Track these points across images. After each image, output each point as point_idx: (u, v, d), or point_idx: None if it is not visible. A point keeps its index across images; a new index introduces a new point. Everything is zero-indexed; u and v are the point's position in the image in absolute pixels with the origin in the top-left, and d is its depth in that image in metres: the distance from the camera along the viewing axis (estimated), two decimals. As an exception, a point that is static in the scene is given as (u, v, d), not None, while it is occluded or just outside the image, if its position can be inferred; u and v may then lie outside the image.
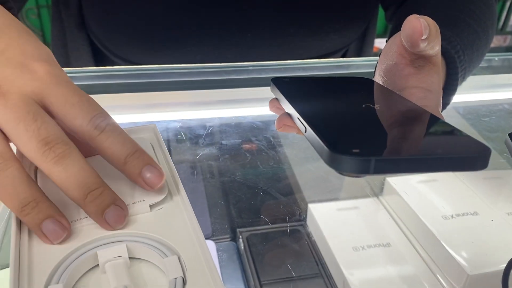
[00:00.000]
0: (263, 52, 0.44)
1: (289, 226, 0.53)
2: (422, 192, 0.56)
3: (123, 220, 0.33)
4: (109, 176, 0.38)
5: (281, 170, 0.58)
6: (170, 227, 0.34)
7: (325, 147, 0.28)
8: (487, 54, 0.60)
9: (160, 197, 0.36)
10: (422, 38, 0.36)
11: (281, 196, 0.55)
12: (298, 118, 0.34)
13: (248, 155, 0.56)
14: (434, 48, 0.37)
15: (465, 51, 0.50)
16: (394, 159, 0.27)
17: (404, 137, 0.31)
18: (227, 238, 0.51)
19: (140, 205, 0.35)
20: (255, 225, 0.52)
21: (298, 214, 0.54)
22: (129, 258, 0.32)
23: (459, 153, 0.28)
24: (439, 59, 0.39)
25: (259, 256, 0.50)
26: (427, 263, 0.50)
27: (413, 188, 0.57)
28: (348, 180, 0.62)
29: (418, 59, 0.39)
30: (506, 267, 0.39)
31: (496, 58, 0.76)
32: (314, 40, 0.71)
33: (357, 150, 0.26)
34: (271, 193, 0.55)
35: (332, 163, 0.27)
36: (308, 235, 0.53)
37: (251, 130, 0.61)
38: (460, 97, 0.64)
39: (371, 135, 0.32)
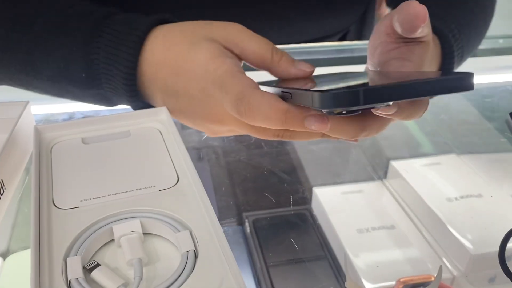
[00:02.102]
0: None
1: (294, 210, 0.54)
2: (426, 175, 0.58)
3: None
4: (122, 162, 0.40)
5: (286, 154, 0.59)
6: (182, 204, 0.35)
7: (316, 92, 0.29)
8: (491, 36, 0.61)
9: (170, 184, 0.37)
10: (423, 25, 0.36)
11: (286, 180, 0.57)
12: (281, 91, 0.36)
13: (252, 138, 0.58)
14: (424, 31, 0.38)
15: (461, 30, 0.50)
16: (381, 86, 0.28)
17: (389, 76, 0.35)
18: (233, 221, 0.52)
19: (151, 189, 0.37)
20: (260, 209, 0.53)
21: (303, 198, 0.55)
22: (143, 233, 0.34)
23: (443, 76, 0.30)
24: (428, 38, 0.40)
25: (265, 239, 0.51)
26: (431, 245, 0.51)
27: (417, 171, 0.58)
28: (353, 164, 0.63)
29: (404, 38, 0.39)
30: (503, 240, 0.40)
31: (501, 41, 0.77)
32: (311, 23, 0.71)
33: (345, 86, 0.28)
34: (276, 177, 0.56)
35: (323, 101, 0.29)
36: (313, 219, 0.54)
37: None
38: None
39: (357, 82, 0.35)
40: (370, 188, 0.59)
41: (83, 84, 0.45)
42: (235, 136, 0.57)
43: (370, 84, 0.33)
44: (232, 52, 0.41)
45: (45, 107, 0.55)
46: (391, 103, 0.32)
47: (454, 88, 0.29)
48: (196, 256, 0.32)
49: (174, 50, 0.41)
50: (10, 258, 0.42)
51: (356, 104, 0.27)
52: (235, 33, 0.41)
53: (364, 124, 0.37)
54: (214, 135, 0.46)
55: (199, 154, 0.57)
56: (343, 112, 0.33)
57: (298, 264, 0.48)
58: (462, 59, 0.52)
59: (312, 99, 0.29)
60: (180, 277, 0.30)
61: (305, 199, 0.55)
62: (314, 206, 0.55)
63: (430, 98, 0.32)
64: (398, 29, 0.38)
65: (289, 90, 0.34)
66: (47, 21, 0.45)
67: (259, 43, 0.41)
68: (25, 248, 0.42)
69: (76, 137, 0.43)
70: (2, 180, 0.38)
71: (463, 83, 0.29)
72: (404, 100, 0.33)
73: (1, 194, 0.37)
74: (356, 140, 0.40)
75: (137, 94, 0.43)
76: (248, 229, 0.52)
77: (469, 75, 0.29)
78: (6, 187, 0.38)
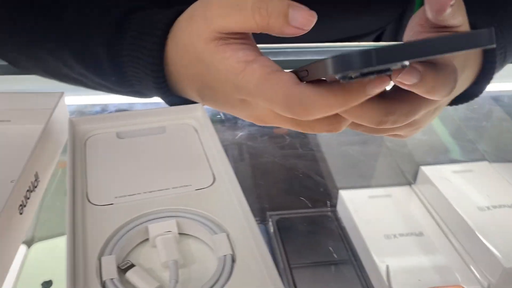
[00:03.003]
0: None
1: (319, 211, 0.52)
2: (456, 182, 0.55)
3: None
4: (157, 159, 0.38)
5: (313, 155, 0.57)
6: (218, 205, 0.33)
7: (329, 58, 0.27)
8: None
9: (206, 183, 0.36)
10: (451, 3, 0.33)
11: (312, 181, 0.54)
12: (298, 70, 0.33)
13: (287, 137, 0.55)
14: (455, 17, 0.35)
15: (504, 30, 0.47)
16: (394, 45, 0.26)
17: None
18: (257, 220, 0.50)
19: (187, 188, 0.35)
20: (285, 209, 0.51)
21: (328, 200, 0.53)
22: (178, 233, 0.32)
23: (462, 32, 0.27)
24: (462, 29, 0.37)
25: (289, 240, 0.49)
26: (461, 255, 0.48)
27: (448, 178, 0.55)
28: (381, 168, 0.61)
29: (437, 27, 0.37)
30: None
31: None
32: (348, 20, 0.68)
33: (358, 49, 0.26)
34: (302, 178, 0.54)
35: (337, 64, 0.26)
36: (338, 221, 0.52)
37: None
38: (503, 86, 0.61)
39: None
40: (398, 193, 0.56)
41: (115, 85, 0.43)
42: (269, 137, 0.55)
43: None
44: (236, 37, 0.35)
45: (78, 98, 0.53)
46: (407, 63, 0.29)
47: (472, 44, 0.27)
48: (233, 260, 0.30)
49: (194, 64, 0.38)
50: (34, 246, 0.41)
51: (369, 63, 0.25)
52: (212, 15, 0.34)
53: (390, 108, 0.33)
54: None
55: (232, 152, 0.55)
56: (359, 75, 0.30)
57: (321, 267, 0.46)
58: (505, 60, 0.48)
59: (326, 66, 0.27)
60: (218, 282, 0.28)
61: (331, 201, 0.53)
62: (339, 208, 0.53)
63: (453, 53, 0.29)
64: (429, 14, 0.35)
65: (304, 68, 0.31)
66: (70, 19, 0.43)
67: (235, 13, 0.33)
68: (50, 237, 0.40)
69: (111, 131, 0.41)
70: (37, 172, 0.36)
71: (482, 38, 0.26)
72: (422, 59, 0.30)
73: (35, 187, 0.36)
74: (381, 131, 0.37)
75: (168, 91, 0.41)
76: (271, 229, 0.50)
77: (488, 30, 0.27)
78: (40, 180, 0.37)
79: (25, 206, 0.34)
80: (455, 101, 0.47)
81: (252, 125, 0.55)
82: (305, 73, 0.31)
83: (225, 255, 0.30)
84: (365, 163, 0.60)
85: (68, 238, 0.29)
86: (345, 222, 0.52)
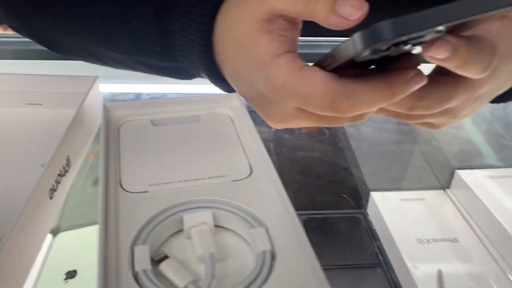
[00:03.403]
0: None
1: (348, 213, 0.50)
2: (494, 188, 0.52)
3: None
4: (192, 148, 0.36)
5: (345, 155, 0.54)
6: (256, 198, 0.31)
7: (358, 32, 0.24)
8: None
9: (243, 175, 0.33)
10: None
11: (342, 180, 0.52)
12: (319, 62, 0.30)
13: (326, 133, 0.53)
14: None
15: None
16: (423, 12, 0.23)
17: None
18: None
19: (223, 179, 0.33)
20: (313, 209, 0.49)
21: (358, 201, 0.50)
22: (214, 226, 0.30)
23: None
24: None
25: (317, 240, 0.47)
26: (498, 263, 0.46)
27: (485, 183, 0.52)
28: (414, 170, 0.58)
29: None
30: None
31: None
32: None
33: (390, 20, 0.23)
34: (333, 177, 0.52)
35: (364, 37, 0.24)
36: (368, 223, 0.50)
37: None
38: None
39: None
40: (431, 196, 0.53)
41: (158, 58, 0.41)
42: (309, 134, 0.52)
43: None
44: (283, 21, 0.33)
45: (111, 86, 0.52)
46: (441, 28, 0.27)
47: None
48: (273, 257, 0.27)
49: (234, 41, 0.35)
50: (60, 235, 0.39)
51: (400, 32, 0.23)
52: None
53: (422, 92, 0.30)
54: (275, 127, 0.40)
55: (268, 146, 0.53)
56: (391, 47, 0.27)
57: (350, 269, 0.44)
58: None
59: (353, 43, 0.24)
60: (256, 280, 0.26)
61: (361, 202, 0.50)
62: (370, 210, 0.51)
63: (489, 13, 0.26)
64: None
65: (329, 53, 0.28)
66: None
67: None
68: (76, 227, 0.38)
69: (145, 118, 0.39)
70: (69, 156, 0.34)
71: None
72: (459, 22, 0.27)
73: (67, 172, 0.34)
74: (412, 117, 0.34)
75: (213, 68, 0.39)
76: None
77: None
78: (72, 164, 0.35)
79: (55, 190, 0.32)
80: (503, 98, 0.43)
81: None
82: (330, 60, 0.28)
83: (264, 251, 0.27)
84: (397, 165, 0.58)
85: (100, 225, 0.27)
86: (376, 225, 0.49)
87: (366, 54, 0.26)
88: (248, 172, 0.34)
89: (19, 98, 0.42)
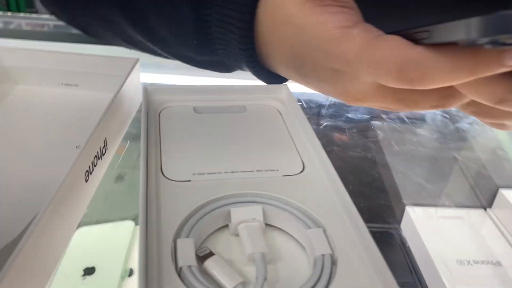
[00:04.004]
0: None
1: (380, 227, 0.46)
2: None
3: None
4: (238, 139, 0.33)
5: (379, 167, 0.50)
6: (311, 195, 0.28)
7: (479, 17, 0.21)
8: None
9: (295, 170, 0.30)
10: None
11: (376, 191, 0.48)
12: (413, 32, 0.26)
13: (359, 144, 0.49)
14: None
15: None
16: None
17: None
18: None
19: (273, 173, 0.30)
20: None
21: (392, 215, 0.46)
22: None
23: None
24: None
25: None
26: (547, 289, 0.41)
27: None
28: (454, 186, 0.54)
29: None
30: None
31: None
32: None
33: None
34: (364, 189, 0.48)
35: (488, 26, 0.20)
36: (402, 240, 0.46)
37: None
38: None
39: None
40: (471, 215, 0.49)
41: (196, 50, 0.38)
42: (359, 131, 0.49)
43: None
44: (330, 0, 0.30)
45: (151, 75, 0.49)
46: None
47: None
48: (333, 262, 0.24)
49: (285, 27, 0.32)
50: (79, 230, 0.37)
51: None
52: None
53: None
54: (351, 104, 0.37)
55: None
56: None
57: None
58: None
59: (467, 27, 0.21)
60: (316, 287, 0.22)
61: (395, 216, 0.46)
62: (404, 226, 0.47)
63: None
64: None
65: (425, 28, 0.25)
66: None
67: None
68: (97, 222, 0.36)
69: (187, 104, 0.36)
70: (106, 138, 0.31)
71: None
72: None
73: (103, 154, 0.31)
74: (495, 114, 0.30)
75: (256, 60, 0.36)
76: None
77: None
78: (108, 148, 0.32)
79: (91, 173, 0.29)
80: None
81: (337, 114, 0.49)
82: (424, 35, 0.25)
83: (323, 255, 0.24)
84: (435, 180, 0.53)
85: (141, 214, 0.24)
86: (410, 242, 0.45)
87: (474, 41, 0.22)
88: (301, 168, 0.30)
89: (55, 77, 0.40)
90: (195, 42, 0.37)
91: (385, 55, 0.26)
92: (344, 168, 0.47)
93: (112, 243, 0.35)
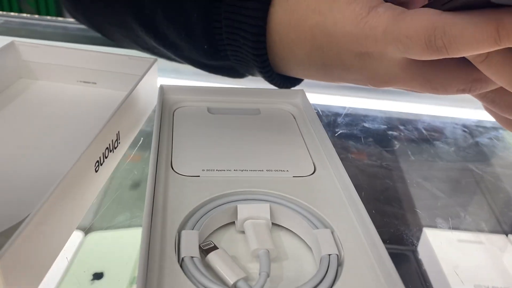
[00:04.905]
0: None
1: (395, 248, 0.44)
2: None
3: None
4: (250, 140, 0.33)
5: (396, 185, 0.49)
6: (321, 197, 0.27)
7: None
8: None
9: (306, 172, 0.29)
10: None
11: (392, 210, 0.47)
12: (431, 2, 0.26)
13: (395, 144, 0.48)
14: None
15: None
16: None
17: None
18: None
19: (283, 174, 0.29)
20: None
21: (408, 237, 0.45)
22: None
23: None
24: None
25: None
26: None
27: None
28: (475, 210, 0.52)
29: None
30: None
31: None
32: None
33: None
34: (381, 208, 0.47)
35: None
36: (419, 263, 0.44)
37: (399, 120, 0.52)
38: None
39: None
40: (492, 241, 0.47)
41: (207, 55, 0.38)
42: (375, 140, 0.47)
43: None
44: None
45: (168, 80, 0.49)
46: None
47: None
48: (339, 263, 0.23)
49: (305, 19, 0.32)
50: (90, 235, 0.36)
51: None
52: None
53: None
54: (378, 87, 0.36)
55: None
56: None
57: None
58: None
59: None
60: (319, 287, 0.22)
61: (411, 238, 0.45)
62: (421, 248, 0.45)
63: None
64: None
65: None
66: None
67: None
68: (108, 228, 0.35)
69: (202, 104, 0.36)
70: (119, 132, 0.31)
71: None
72: None
73: (115, 148, 0.31)
74: None
75: (268, 65, 0.35)
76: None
77: None
78: (121, 142, 0.32)
79: (101, 164, 0.29)
80: None
81: (354, 123, 0.48)
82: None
83: (329, 255, 0.23)
84: (455, 202, 0.52)
85: (147, 204, 0.24)
86: (427, 265, 0.44)
87: None
88: (312, 170, 0.30)
89: (74, 74, 0.40)
90: (205, 47, 0.37)
91: (413, 26, 0.26)
92: (358, 175, 0.46)
93: (122, 249, 0.35)
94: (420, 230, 0.43)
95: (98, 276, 0.32)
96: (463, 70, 0.28)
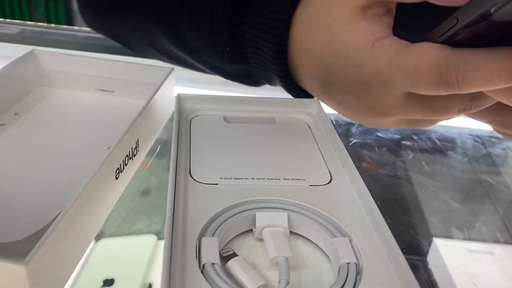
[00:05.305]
0: None
1: (412, 258, 0.44)
2: None
3: None
4: (266, 148, 0.33)
5: (406, 195, 0.49)
6: (338, 206, 0.27)
7: None
8: None
9: (322, 181, 0.30)
10: None
11: (402, 219, 0.47)
12: (442, 25, 0.25)
13: (409, 154, 0.48)
14: None
15: None
16: None
17: None
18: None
19: (300, 183, 0.29)
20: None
21: (418, 247, 0.45)
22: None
23: None
24: None
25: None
26: None
27: None
28: (486, 220, 0.52)
29: None
30: None
31: None
32: None
33: None
34: (390, 218, 0.46)
35: None
36: (428, 273, 0.44)
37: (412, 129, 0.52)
38: None
39: None
40: (503, 252, 0.47)
41: (227, 59, 0.38)
42: (389, 150, 0.48)
43: None
44: (379, 8, 0.30)
45: (184, 89, 0.49)
46: None
47: None
48: (358, 272, 0.23)
49: (319, 33, 0.33)
50: (102, 242, 0.37)
51: None
52: None
53: None
54: (373, 126, 0.36)
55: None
56: None
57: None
58: None
59: None
60: (339, 293, 0.22)
61: (421, 248, 0.45)
62: (431, 258, 0.45)
63: None
64: None
65: (453, 15, 0.24)
66: None
67: None
68: (119, 235, 0.36)
69: (218, 113, 0.37)
70: (138, 140, 0.32)
71: None
72: None
73: (134, 155, 0.31)
74: None
75: (287, 69, 0.36)
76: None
77: None
78: (140, 150, 0.33)
79: (121, 171, 0.29)
80: None
81: (368, 132, 0.48)
82: (452, 22, 0.24)
83: (348, 263, 0.23)
84: (465, 212, 0.52)
85: (168, 212, 0.24)
86: (437, 275, 0.43)
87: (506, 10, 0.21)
88: (328, 179, 0.30)
89: (92, 83, 0.41)
90: (227, 49, 0.37)
91: (422, 59, 0.26)
92: (372, 184, 0.46)
93: (133, 256, 0.35)
94: (434, 240, 0.43)
95: (108, 282, 0.32)
96: None
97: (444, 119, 0.31)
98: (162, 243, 0.32)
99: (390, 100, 0.29)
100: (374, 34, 0.28)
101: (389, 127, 0.39)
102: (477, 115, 0.32)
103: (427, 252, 0.43)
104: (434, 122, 0.33)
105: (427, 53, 0.26)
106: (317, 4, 0.32)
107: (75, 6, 2.18)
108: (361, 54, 0.29)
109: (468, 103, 0.28)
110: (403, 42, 0.27)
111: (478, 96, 0.28)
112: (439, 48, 0.25)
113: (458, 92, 0.25)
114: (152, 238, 0.35)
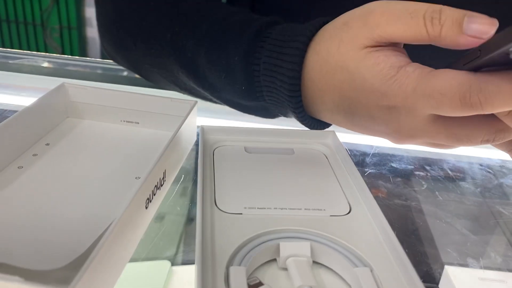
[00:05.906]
0: None
1: (431, 287, 0.44)
2: None
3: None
4: (287, 178, 0.34)
5: (417, 221, 0.50)
6: (358, 236, 0.28)
7: None
8: None
9: (342, 212, 0.31)
10: None
11: (414, 248, 0.47)
12: (464, 56, 0.27)
13: (397, 199, 0.49)
14: None
15: None
16: None
17: None
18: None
19: (321, 213, 0.30)
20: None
21: (429, 274, 0.45)
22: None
23: None
24: None
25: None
26: None
27: None
28: (497, 248, 0.52)
29: None
30: None
31: None
32: None
33: None
34: (413, 246, 0.47)
35: None
36: None
37: (424, 159, 0.53)
38: None
39: None
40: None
41: (244, 96, 0.40)
42: (404, 180, 0.49)
43: None
44: (388, 45, 0.31)
45: (205, 120, 0.51)
46: None
47: None
48: (380, 301, 0.24)
49: (335, 72, 0.34)
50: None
51: None
52: (374, 22, 0.31)
53: None
54: (400, 144, 0.37)
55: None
56: None
57: None
58: None
59: None
60: (363, 322, 0.23)
61: (432, 276, 0.45)
62: (442, 286, 0.45)
63: None
64: None
65: (476, 48, 0.26)
66: (210, 29, 0.41)
67: (404, 21, 0.29)
68: (133, 260, 0.36)
69: (239, 144, 0.38)
70: (165, 170, 0.33)
71: None
72: None
73: (161, 185, 0.33)
74: None
75: (301, 106, 0.37)
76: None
77: None
78: (166, 179, 0.34)
79: (151, 201, 0.30)
80: None
81: (382, 162, 0.49)
82: (476, 54, 0.26)
83: (370, 292, 0.24)
84: (476, 240, 0.52)
85: (198, 241, 0.25)
86: None
87: None
88: (348, 209, 0.31)
89: (118, 114, 0.42)
90: (243, 88, 0.39)
91: (446, 83, 0.27)
92: (389, 214, 0.46)
93: (147, 282, 0.36)
94: (451, 268, 0.44)
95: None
96: (486, 122, 0.30)
97: (470, 146, 0.32)
98: (175, 269, 0.33)
99: (417, 123, 0.31)
100: (396, 64, 0.30)
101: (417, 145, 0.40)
102: (497, 144, 0.33)
103: (442, 280, 0.43)
104: (457, 146, 0.34)
105: (450, 77, 0.27)
106: (327, 46, 0.34)
107: (88, 33, 2.23)
108: (387, 84, 0.30)
109: (491, 135, 0.30)
110: (426, 68, 0.29)
111: (503, 129, 0.29)
112: (461, 73, 0.27)
113: (481, 113, 0.27)
114: (166, 263, 0.36)
